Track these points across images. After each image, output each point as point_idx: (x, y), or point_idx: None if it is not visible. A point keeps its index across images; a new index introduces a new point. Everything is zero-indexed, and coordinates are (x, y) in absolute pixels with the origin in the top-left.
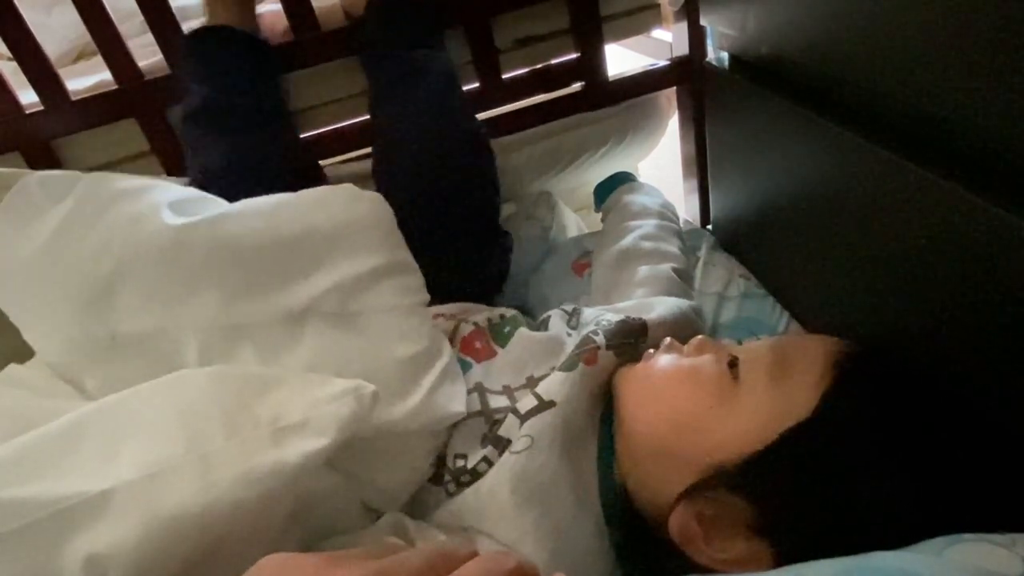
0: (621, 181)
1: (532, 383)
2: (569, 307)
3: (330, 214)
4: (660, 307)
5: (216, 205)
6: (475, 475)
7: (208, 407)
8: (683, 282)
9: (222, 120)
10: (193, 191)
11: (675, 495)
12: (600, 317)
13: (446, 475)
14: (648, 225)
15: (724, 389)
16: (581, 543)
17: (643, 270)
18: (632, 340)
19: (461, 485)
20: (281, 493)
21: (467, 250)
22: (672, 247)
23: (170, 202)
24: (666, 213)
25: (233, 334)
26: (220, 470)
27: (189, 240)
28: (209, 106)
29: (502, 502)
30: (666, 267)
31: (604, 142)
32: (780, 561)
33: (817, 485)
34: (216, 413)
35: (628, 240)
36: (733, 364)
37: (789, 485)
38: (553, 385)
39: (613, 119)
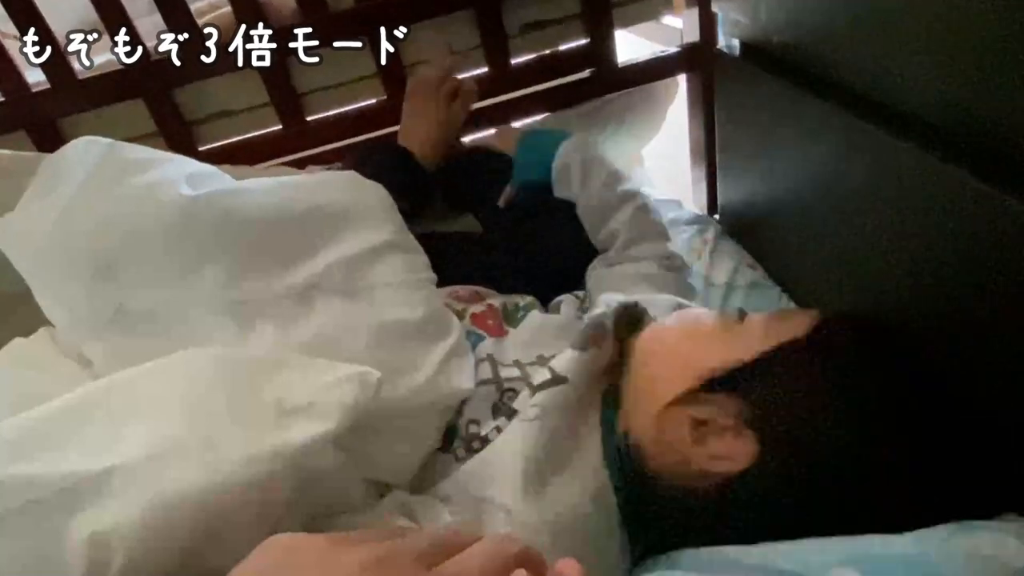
0: (554, 143)
1: (543, 361)
2: (581, 293)
3: (335, 195)
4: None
5: (228, 181)
6: (486, 443)
7: (213, 389)
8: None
9: None
10: (209, 166)
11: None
12: (611, 300)
13: (456, 440)
14: (646, 265)
15: (728, 322)
16: (585, 511)
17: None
18: (637, 323)
19: (471, 451)
20: (285, 475)
21: None
22: (671, 293)
23: (188, 175)
24: (651, 229)
25: (242, 309)
26: (224, 451)
27: (197, 213)
28: None
29: (509, 469)
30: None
31: (603, 128)
32: (763, 458)
33: (808, 392)
34: (221, 395)
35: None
36: (741, 314)
37: (782, 385)
38: (565, 361)
39: (610, 104)
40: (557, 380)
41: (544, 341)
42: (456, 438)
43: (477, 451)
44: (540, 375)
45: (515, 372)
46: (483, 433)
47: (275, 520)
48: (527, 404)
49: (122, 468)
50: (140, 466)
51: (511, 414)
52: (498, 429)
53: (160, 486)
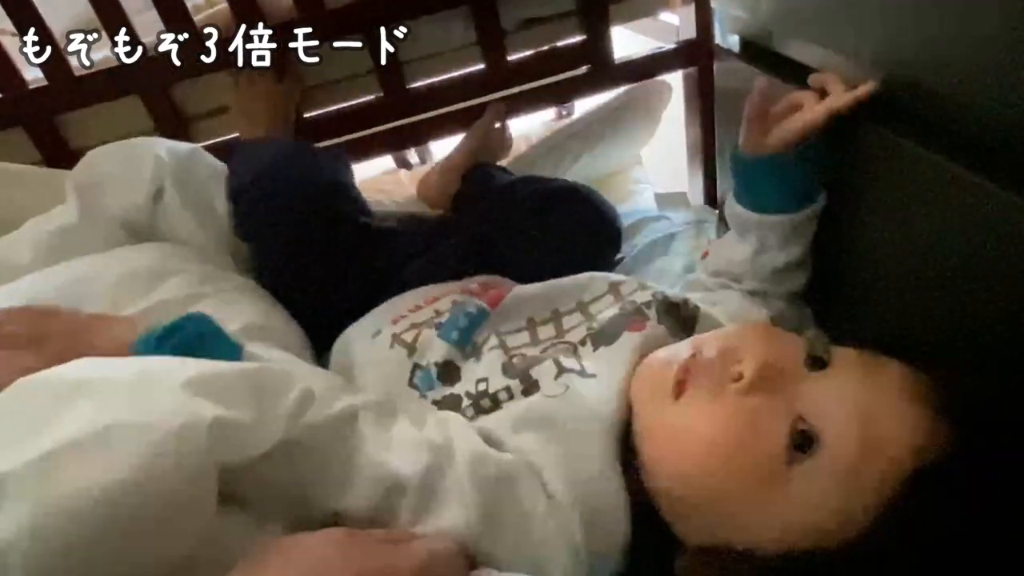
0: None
1: (557, 316)
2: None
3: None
4: (725, 303)
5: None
6: (495, 402)
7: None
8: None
9: None
10: None
11: (690, 543)
12: (655, 289)
13: (464, 399)
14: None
15: (775, 474)
16: (601, 488)
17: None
18: (680, 325)
19: (480, 411)
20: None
21: None
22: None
23: None
24: None
25: None
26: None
27: None
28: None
29: (526, 436)
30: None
31: (600, 137)
32: None
33: None
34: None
35: None
36: (802, 441)
37: None
38: (597, 361)
39: (602, 117)
40: (584, 375)
41: (559, 296)
42: (464, 396)
43: (486, 411)
44: (568, 361)
45: (525, 338)
46: (491, 391)
47: (200, 511)
48: (551, 382)
49: (12, 474)
50: (31, 468)
51: (526, 380)
52: (508, 390)
53: (55, 488)
